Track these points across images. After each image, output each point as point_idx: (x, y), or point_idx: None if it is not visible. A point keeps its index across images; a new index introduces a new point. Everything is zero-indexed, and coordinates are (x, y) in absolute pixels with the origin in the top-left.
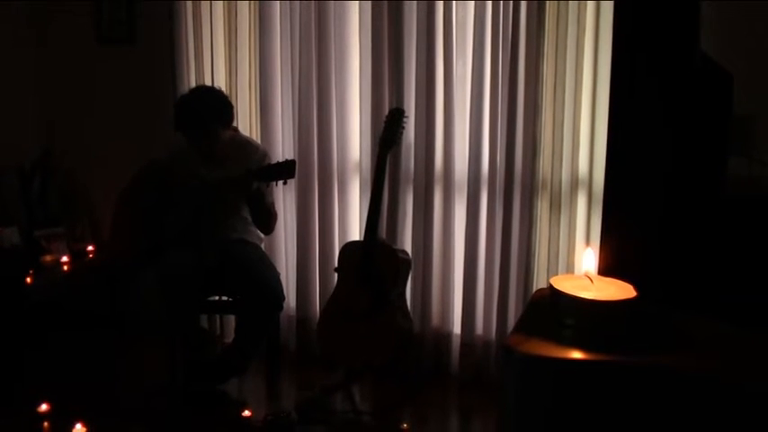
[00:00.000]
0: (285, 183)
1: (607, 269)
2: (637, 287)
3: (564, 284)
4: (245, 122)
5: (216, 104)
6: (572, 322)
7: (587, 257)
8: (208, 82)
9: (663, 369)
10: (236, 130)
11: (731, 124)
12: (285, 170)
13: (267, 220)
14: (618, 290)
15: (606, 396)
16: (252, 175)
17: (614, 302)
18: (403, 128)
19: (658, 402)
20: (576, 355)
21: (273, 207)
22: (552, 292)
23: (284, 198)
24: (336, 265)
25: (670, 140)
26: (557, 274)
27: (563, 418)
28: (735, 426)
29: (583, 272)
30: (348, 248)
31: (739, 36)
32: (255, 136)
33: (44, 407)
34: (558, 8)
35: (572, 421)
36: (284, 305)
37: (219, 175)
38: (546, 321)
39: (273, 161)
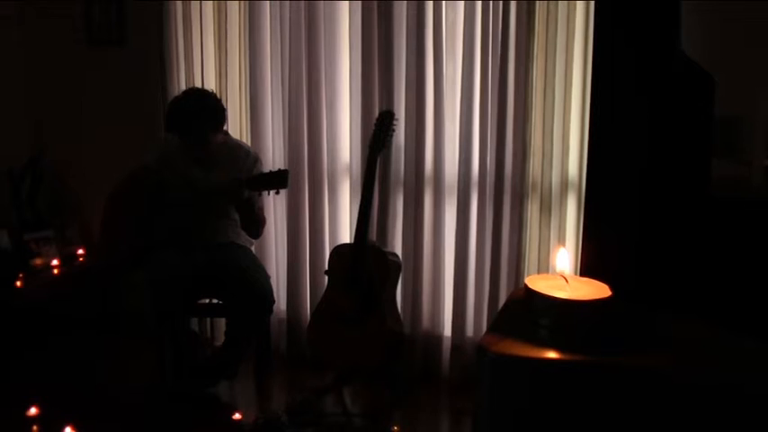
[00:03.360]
0: (277, 192)
1: (589, 270)
2: (619, 288)
3: (539, 284)
4: (235, 124)
5: (209, 107)
6: (546, 322)
7: (561, 257)
8: (198, 84)
9: (637, 369)
10: (226, 133)
11: (713, 125)
12: (278, 180)
13: (255, 226)
14: (593, 289)
15: (581, 396)
16: (244, 183)
17: (588, 302)
18: (393, 130)
19: (633, 402)
20: (551, 354)
21: (262, 212)
22: (527, 292)
23: (274, 201)
24: (327, 267)
25: (652, 143)
26: None
27: (537, 418)
28: (708, 424)
29: (557, 272)
30: (338, 251)
31: (720, 38)
32: (245, 138)
33: (33, 410)
34: (548, 9)
35: (546, 421)
36: (274, 308)
37: (211, 178)
38: (521, 321)
39: (264, 165)
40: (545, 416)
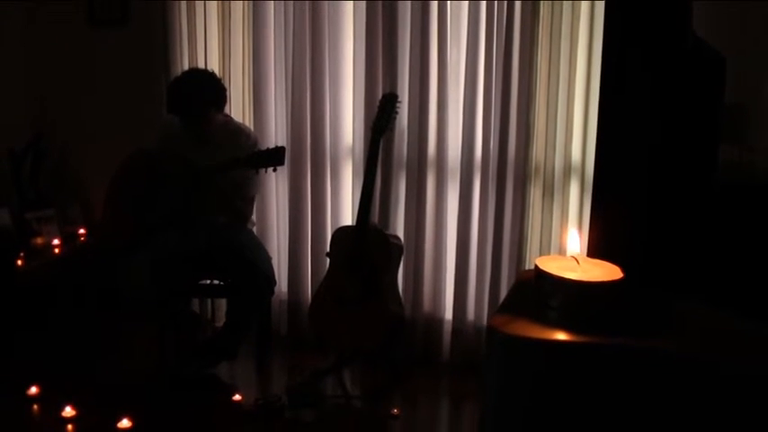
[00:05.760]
0: (275, 170)
1: (596, 252)
2: (625, 269)
3: (549, 265)
4: (238, 106)
5: (209, 87)
6: (557, 303)
7: (572, 238)
8: (201, 65)
9: (647, 351)
10: (229, 117)
11: (722, 109)
12: (274, 157)
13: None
14: (604, 271)
15: (590, 378)
16: (241, 161)
17: (599, 284)
18: (396, 113)
19: (642, 384)
20: (561, 336)
21: (245, 205)
22: (537, 273)
23: (277, 182)
24: (328, 249)
25: (661, 123)
26: None
27: (546, 399)
28: (717, 405)
29: (568, 253)
30: (340, 233)
31: (732, 20)
32: (248, 120)
33: (34, 389)
34: None
35: (555, 403)
36: (276, 289)
37: (211, 159)
38: (531, 302)
39: (265, 147)
40: (554, 397)
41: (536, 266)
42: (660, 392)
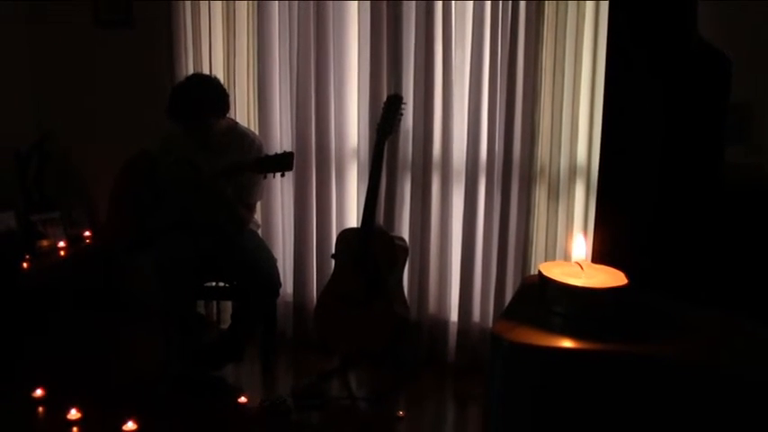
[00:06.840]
0: (283, 175)
1: (601, 257)
2: (630, 274)
3: (553, 271)
4: (243, 108)
5: (211, 94)
6: (561, 310)
7: (578, 244)
8: (206, 67)
9: (652, 357)
10: (234, 121)
11: (728, 110)
12: (283, 162)
13: (230, 218)
14: (608, 277)
15: (595, 385)
16: (248, 166)
17: (604, 290)
18: (401, 114)
19: (647, 391)
20: (565, 343)
21: (247, 210)
22: (541, 279)
23: (282, 185)
24: (333, 251)
25: (666, 126)
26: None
27: (550, 406)
28: (723, 413)
29: (573, 259)
30: (345, 235)
31: (738, 20)
32: (253, 122)
33: (39, 392)
34: None
35: (560, 410)
36: (281, 291)
37: (214, 163)
38: (535, 309)
39: (271, 150)
40: (559, 404)
41: (540, 272)
42: (665, 399)
